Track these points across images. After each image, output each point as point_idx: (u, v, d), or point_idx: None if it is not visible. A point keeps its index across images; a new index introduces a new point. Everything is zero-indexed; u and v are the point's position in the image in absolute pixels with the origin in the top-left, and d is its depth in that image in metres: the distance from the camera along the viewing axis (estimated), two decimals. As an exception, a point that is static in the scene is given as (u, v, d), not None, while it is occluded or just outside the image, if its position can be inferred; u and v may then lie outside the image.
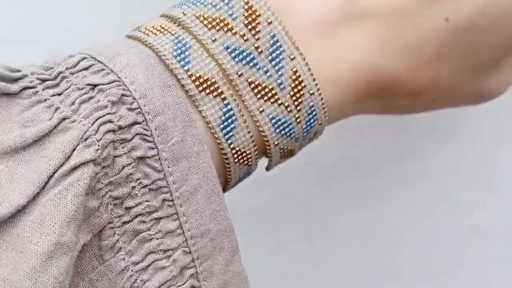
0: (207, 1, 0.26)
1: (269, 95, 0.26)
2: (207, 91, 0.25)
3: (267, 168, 0.28)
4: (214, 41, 0.25)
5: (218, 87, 0.25)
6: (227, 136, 0.25)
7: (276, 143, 0.26)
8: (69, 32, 0.39)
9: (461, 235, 0.44)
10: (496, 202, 0.43)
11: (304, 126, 0.27)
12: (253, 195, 0.42)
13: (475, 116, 0.42)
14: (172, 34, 0.26)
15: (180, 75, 0.25)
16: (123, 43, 0.26)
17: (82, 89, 0.23)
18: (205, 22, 0.26)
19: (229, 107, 0.25)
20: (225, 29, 0.26)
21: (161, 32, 0.26)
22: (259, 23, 0.26)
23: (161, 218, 0.24)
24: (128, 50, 0.25)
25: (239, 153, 0.26)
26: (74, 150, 0.22)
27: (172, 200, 0.24)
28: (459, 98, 0.30)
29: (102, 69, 0.24)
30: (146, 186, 0.24)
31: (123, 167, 0.23)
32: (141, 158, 0.24)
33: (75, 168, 0.22)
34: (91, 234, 0.23)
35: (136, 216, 0.24)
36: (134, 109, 0.24)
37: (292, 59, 0.26)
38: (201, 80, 0.25)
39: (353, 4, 0.27)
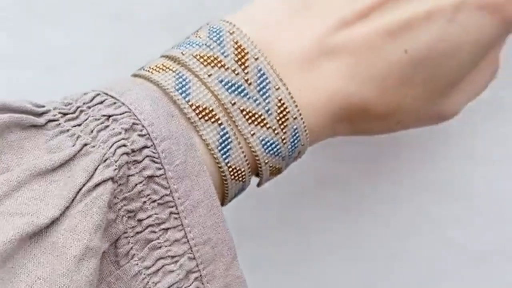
0: (202, 42, 0.30)
1: (259, 120, 0.30)
2: (206, 118, 0.29)
3: (258, 185, 0.32)
4: (210, 76, 0.30)
5: (215, 114, 0.29)
6: (224, 156, 0.29)
7: (266, 161, 0.30)
8: (59, 53, 0.40)
9: (437, 249, 0.45)
10: (470, 218, 0.45)
11: (290, 146, 0.31)
12: (231, 208, 0.44)
13: (450, 135, 0.44)
14: (173, 71, 0.30)
15: (182, 105, 0.29)
16: (130, 80, 0.30)
17: (98, 119, 0.27)
18: (201, 60, 0.30)
19: (225, 131, 0.29)
20: (219, 65, 0.30)
21: (163, 70, 0.30)
22: (247, 59, 0.30)
23: (168, 228, 0.28)
24: (136, 87, 0.29)
25: (234, 171, 0.30)
26: (96, 170, 0.26)
27: (178, 213, 0.28)
28: (422, 119, 0.34)
29: (115, 103, 0.28)
30: (155, 201, 0.27)
31: (136, 185, 0.27)
32: (151, 177, 0.27)
33: (97, 185, 0.26)
34: (109, 242, 0.26)
35: (147, 227, 0.27)
36: (144, 135, 0.27)
37: (277, 89, 0.30)
38: (200, 108, 0.29)
39: (325, 43, 0.31)
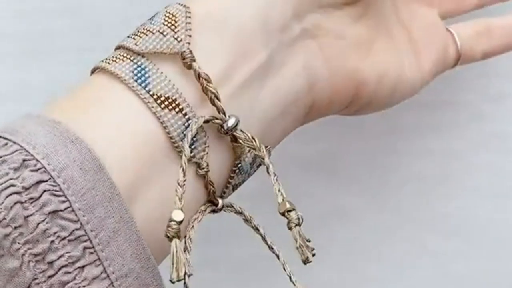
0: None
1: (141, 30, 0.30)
2: (120, 57, 0.28)
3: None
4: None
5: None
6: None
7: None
8: (42, 89, 0.40)
9: (439, 284, 0.44)
10: (470, 251, 0.44)
11: None
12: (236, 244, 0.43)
13: (448, 169, 0.44)
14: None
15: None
16: (27, 116, 0.28)
17: None
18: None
19: (139, 63, 0.28)
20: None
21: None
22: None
23: (84, 266, 0.25)
24: (30, 121, 0.27)
25: (162, 98, 0.27)
26: None
27: (93, 247, 0.25)
28: None
29: (6, 143, 0.26)
30: (64, 238, 0.25)
31: (38, 224, 0.24)
32: (54, 212, 0.25)
33: None
34: None
35: (59, 268, 0.25)
36: (38, 169, 0.25)
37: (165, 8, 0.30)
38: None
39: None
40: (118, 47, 0.29)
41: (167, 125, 0.27)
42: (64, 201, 0.25)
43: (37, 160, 0.25)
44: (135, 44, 0.29)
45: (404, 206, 0.44)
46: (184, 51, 0.28)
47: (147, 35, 0.29)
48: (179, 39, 0.28)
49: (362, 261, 0.44)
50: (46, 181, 0.25)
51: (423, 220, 0.44)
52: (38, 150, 0.25)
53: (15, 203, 0.24)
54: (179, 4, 0.30)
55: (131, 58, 0.28)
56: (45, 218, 0.25)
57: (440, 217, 0.44)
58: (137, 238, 0.26)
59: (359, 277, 0.44)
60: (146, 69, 0.28)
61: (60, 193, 0.25)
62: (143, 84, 0.27)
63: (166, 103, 0.27)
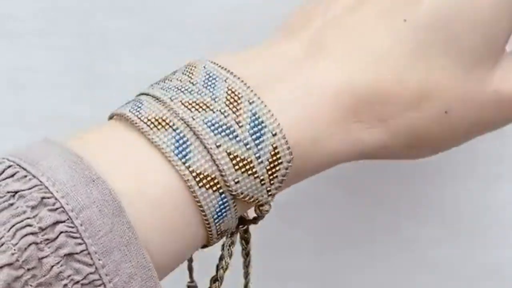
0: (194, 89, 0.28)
1: (247, 167, 0.27)
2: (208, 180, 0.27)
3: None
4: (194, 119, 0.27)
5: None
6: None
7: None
8: (67, 118, 0.40)
9: (414, 271, 0.44)
10: (447, 237, 0.43)
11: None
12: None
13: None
14: (173, 129, 0.27)
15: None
16: (50, 144, 0.27)
17: (2, 197, 0.24)
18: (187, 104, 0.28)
19: (224, 195, 0.27)
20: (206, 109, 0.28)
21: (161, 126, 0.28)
22: (241, 102, 0.28)
23: None
24: (51, 152, 0.26)
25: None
26: None
27: None
28: (478, 105, 0.30)
29: (25, 176, 0.25)
30: (78, 282, 0.24)
31: (52, 267, 0.24)
32: (70, 255, 0.24)
33: None
34: None
35: None
36: (56, 209, 0.24)
37: (274, 135, 0.28)
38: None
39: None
40: (213, 155, 0.27)
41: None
42: (80, 243, 0.24)
43: (56, 198, 0.24)
44: (234, 181, 0.27)
45: (379, 191, 0.43)
46: (266, 211, 0.29)
47: (248, 175, 0.27)
48: (270, 192, 0.28)
49: (337, 248, 0.44)
50: (64, 221, 0.24)
51: (399, 206, 0.43)
52: (57, 188, 0.25)
53: (30, 244, 0.24)
54: (286, 144, 0.28)
55: (219, 187, 0.27)
56: (60, 261, 0.24)
57: (416, 202, 0.43)
58: (153, 284, 0.25)
59: (334, 264, 0.44)
60: (229, 203, 0.27)
61: (77, 235, 0.24)
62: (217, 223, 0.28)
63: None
